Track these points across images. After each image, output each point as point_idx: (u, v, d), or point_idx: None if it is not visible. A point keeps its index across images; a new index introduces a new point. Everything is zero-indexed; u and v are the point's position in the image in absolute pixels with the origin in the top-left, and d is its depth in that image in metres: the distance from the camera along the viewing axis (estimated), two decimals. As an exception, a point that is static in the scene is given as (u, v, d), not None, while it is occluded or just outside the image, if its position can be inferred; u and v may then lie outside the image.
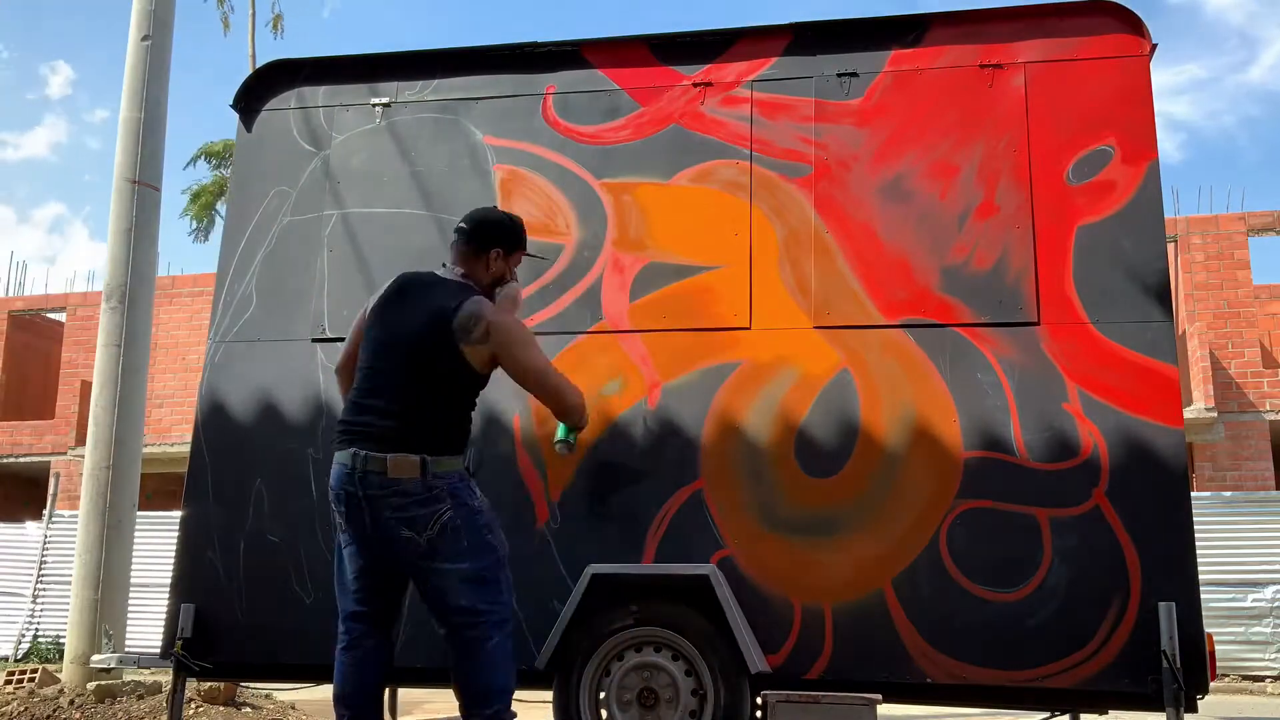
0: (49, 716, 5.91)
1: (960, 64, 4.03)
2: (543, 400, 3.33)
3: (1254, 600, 10.17)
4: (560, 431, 3.47)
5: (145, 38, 7.34)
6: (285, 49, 24.03)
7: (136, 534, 7.29)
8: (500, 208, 4.11)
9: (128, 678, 6.61)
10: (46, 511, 12.94)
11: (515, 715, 3.19)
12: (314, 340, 4.26)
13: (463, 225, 3.34)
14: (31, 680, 7.27)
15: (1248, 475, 13.96)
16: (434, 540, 3.04)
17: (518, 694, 4.15)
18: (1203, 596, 3.56)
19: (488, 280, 3.31)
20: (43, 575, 12.50)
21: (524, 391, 4.01)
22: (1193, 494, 4.39)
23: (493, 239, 3.31)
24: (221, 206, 19.79)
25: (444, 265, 3.33)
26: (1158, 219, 3.79)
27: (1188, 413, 13.08)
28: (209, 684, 5.91)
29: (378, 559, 3.14)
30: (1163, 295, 3.71)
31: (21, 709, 5.98)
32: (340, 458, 3.13)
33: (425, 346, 3.11)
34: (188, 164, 21.45)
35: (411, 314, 3.17)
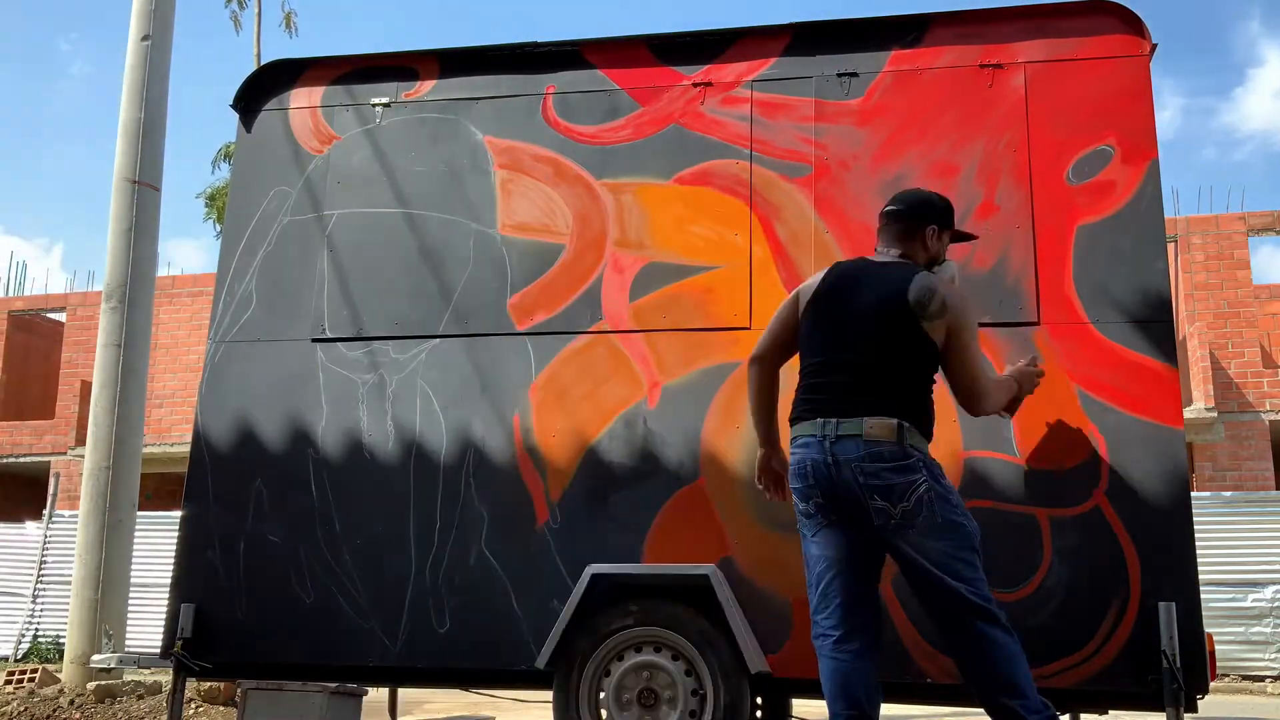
0: (49, 716, 5.92)
1: (960, 64, 4.03)
2: (964, 392, 3.19)
3: (1254, 600, 10.18)
4: None
5: (145, 38, 7.34)
6: (299, 48, 24.07)
7: (136, 534, 7.31)
8: (503, 202, 4.13)
9: (128, 678, 6.62)
10: (46, 511, 12.95)
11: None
12: (314, 340, 4.26)
13: (895, 207, 3.31)
14: (31, 680, 7.28)
15: (1248, 475, 13.97)
16: (908, 513, 2.93)
17: (518, 694, 4.17)
18: (1203, 596, 3.55)
19: (924, 260, 3.27)
20: (43, 575, 12.50)
21: (524, 390, 4.04)
22: (1193, 494, 4.39)
23: (927, 217, 3.28)
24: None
25: (876, 251, 3.31)
26: (1158, 219, 3.78)
27: (1188, 413, 13.08)
28: (209, 684, 5.91)
29: (849, 540, 3.04)
30: (1163, 295, 3.71)
31: (21, 709, 5.99)
32: (804, 429, 3.07)
33: (886, 325, 3.06)
34: (213, 167, 21.39)
35: (863, 296, 3.13)
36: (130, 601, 7.08)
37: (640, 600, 3.74)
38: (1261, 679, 9.87)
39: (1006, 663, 2.92)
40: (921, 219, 3.28)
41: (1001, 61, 4.00)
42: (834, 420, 3.01)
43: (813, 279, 3.33)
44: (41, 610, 12.34)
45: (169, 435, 16.59)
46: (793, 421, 3.17)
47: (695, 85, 4.22)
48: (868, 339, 3.08)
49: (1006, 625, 2.97)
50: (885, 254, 3.27)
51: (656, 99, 4.24)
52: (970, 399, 3.19)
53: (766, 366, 3.38)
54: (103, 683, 6.22)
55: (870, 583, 3.12)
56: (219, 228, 19.67)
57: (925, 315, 3.05)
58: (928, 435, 3.10)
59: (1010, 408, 3.40)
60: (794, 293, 3.37)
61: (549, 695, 3.77)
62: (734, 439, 3.84)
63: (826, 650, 3.04)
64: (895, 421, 2.98)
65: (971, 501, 3.63)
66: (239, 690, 4.25)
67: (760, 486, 3.46)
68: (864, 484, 2.95)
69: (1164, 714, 3.37)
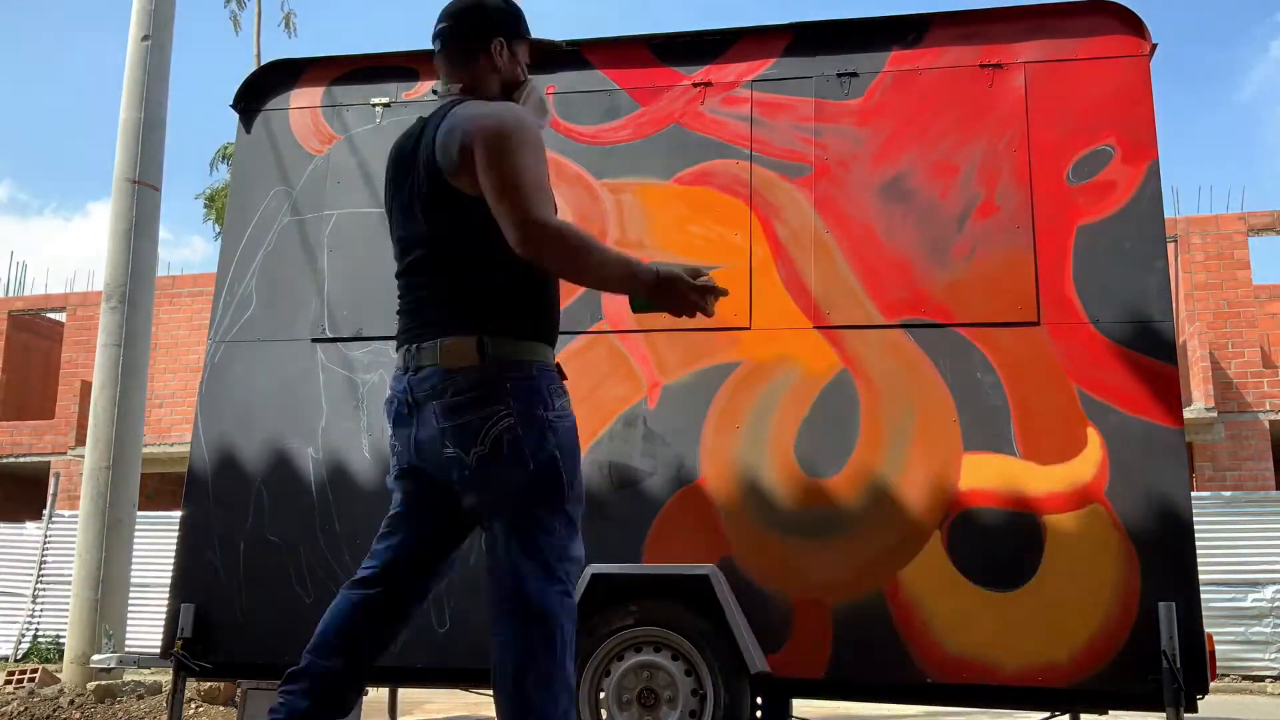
0: (49, 716, 5.92)
1: (960, 64, 4.03)
2: (510, 227, 2.24)
3: (1254, 600, 10.17)
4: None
5: (145, 37, 7.34)
6: (298, 48, 24.06)
7: (136, 534, 7.30)
8: None
9: (128, 678, 6.62)
10: (46, 511, 12.95)
11: None
12: (314, 340, 4.26)
13: (442, 25, 2.50)
14: (31, 680, 7.28)
15: (1248, 475, 13.97)
16: (485, 459, 2.28)
17: (518, 694, 4.16)
18: (1203, 596, 3.55)
19: (499, 87, 2.49)
20: (43, 575, 12.50)
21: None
22: (1193, 494, 4.39)
23: (487, 28, 2.48)
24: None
25: (433, 93, 2.57)
26: (1158, 219, 3.79)
27: (1188, 413, 13.07)
28: (209, 684, 5.91)
29: (421, 488, 2.47)
30: (1163, 295, 3.71)
31: (21, 709, 5.99)
32: (396, 364, 2.47)
33: (429, 204, 2.34)
34: (212, 167, 21.35)
35: (408, 173, 2.40)
36: (130, 601, 7.07)
37: (640, 600, 3.74)
38: (1261, 679, 9.87)
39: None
40: (479, 32, 2.47)
41: (1001, 61, 4.00)
42: (414, 348, 2.39)
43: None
44: (41, 610, 12.34)
45: (169, 435, 16.59)
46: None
47: (695, 85, 4.22)
48: (423, 224, 2.37)
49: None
50: (444, 94, 2.49)
51: (656, 99, 4.24)
52: (519, 230, 2.22)
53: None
54: (103, 683, 6.22)
55: (439, 541, 2.58)
56: (218, 228, 19.67)
57: (452, 169, 2.29)
58: (532, 330, 2.36)
59: (637, 294, 2.35)
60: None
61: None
62: (734, 439, 3.84)
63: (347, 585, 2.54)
64: (474, 339, 2.28)
65: (972, 501, 3.64)
66: (239, 690, 4.24)
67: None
68: (438, 428, 2.30)
69: (1164, 714, 3.37)
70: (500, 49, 2.49)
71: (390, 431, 2.49)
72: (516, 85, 2.53)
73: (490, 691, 4.20)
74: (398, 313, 2.52)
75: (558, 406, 2.35)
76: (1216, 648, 3.70)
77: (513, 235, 2.23)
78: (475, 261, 2.34)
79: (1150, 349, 3.66)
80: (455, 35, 2.49)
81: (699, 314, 2.37)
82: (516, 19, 2.56)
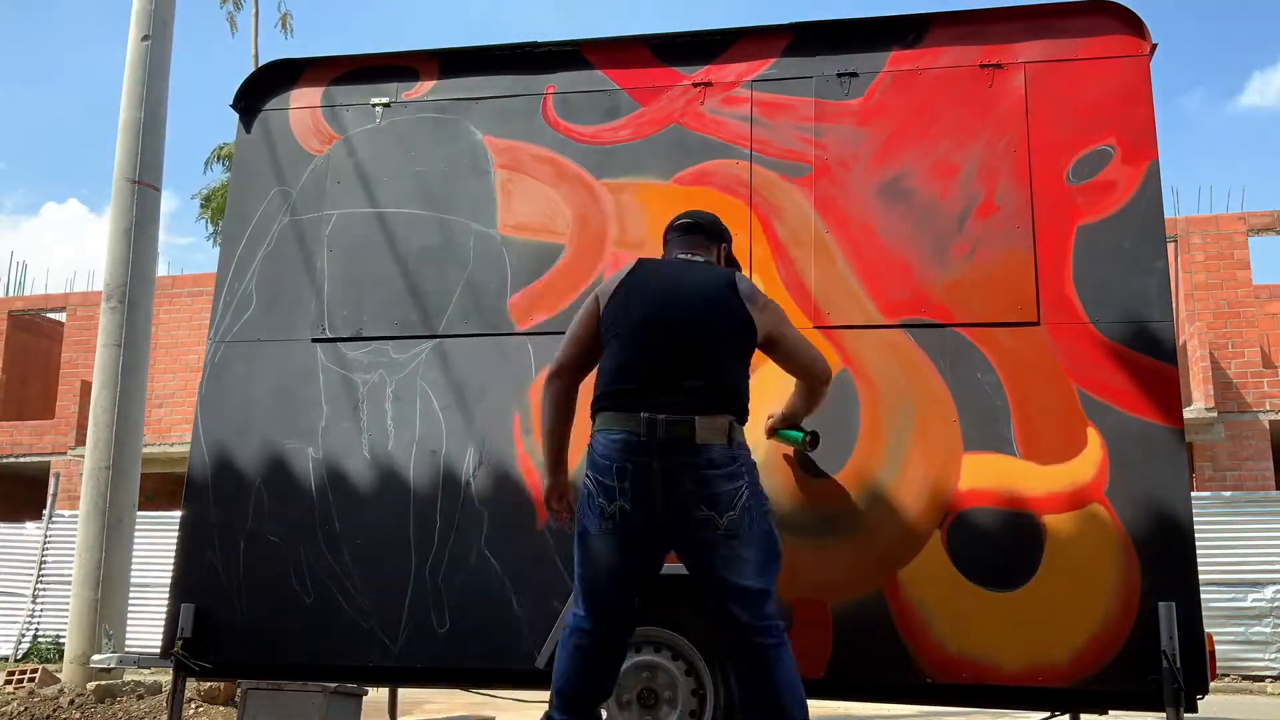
0: (49, 716, 5.92)
1: (960, 64, 4.03)
2: (806, 378, 3.34)
3: (1254, 600, 10.18)
4: (796, 435, 3.56)
5: (145, 37, 7.34)
6: (296, 49, 24.02)
7: (136, 534, 7.31)
8: (503, 202, 4.17)
9: (128, 678, 6.62)
10: (46, 511, 12.96)
11: None
12: (314, 340, 4.26)
13: (691, 220, 3.36)
14: (31, 680, 7.29)
15: (1248, 475, 13.98)
16: (734, 521, 2.81)
17: (518, 693, 4.17)
18: (1203, 596, 3.55)
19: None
20: (43, 575, 12.51)
21: (524, 390, 4.04)
22: (1193, 494, 4.39)
23: (723, 234, 3.40)
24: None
25: (677, 257, 3.28)
26: (1158, 219, 3.78)
27: (1188, 413, 13.07)
28: (209, 684, 5.91)
29: (654, 545, 2.93)
30: (1163, 295, 3.71)
31: (21, 709, 5.99)
32: (620, 421, 2.85)
33: (715, 309, 3.01)
34: (206, 166, 21.37)
35: (681, 287, 3.09)
36: (130, 601, 7.08)
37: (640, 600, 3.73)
38: (1261, 679, 9.87)
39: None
40: (719, 235, 3.38)
41: (1001, 61, 4.00)
42: (662, 418, 2.82)
43: (609, 282, 3.21)
44: (41, 610, 12.35)
45: (169, 435, 16.59)
46: (598, 412, 2.98)
47: (695, 85, 4.22)
48: (699, 322, 3.00)
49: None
50: (690, 256, 3.27)
51: (656, 99, 4.24)
52: (814, 368, 3.31)
53: (567, 380, 3.17)
54: (103, 683, 6.22)
55: (648, 588, 3.05)
56: (212, 229, 19.68)
57: (755, 305, 3.06)
58: (744, 422, 3.04)
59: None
60: (593, 296, 3.21)
61: (549, 695, 3.76)
62: (734, 439, 3.83)
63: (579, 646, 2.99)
64: (727, 421, 2.88)
65: (972, 501, 3.64)
66: (239, 690, 4.25)
67: (553, 514, 3.25)
68: (691, 490, 2.80)
69: (1164, 714, 3.37)
70: (726, 253, 3.42)
71: None
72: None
73: (490, 691, 4.21)
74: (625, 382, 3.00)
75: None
76: (1216, 648, 3.70)
77: (806, 363, 3.35)
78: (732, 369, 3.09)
79: (1150, 349, 3.66)
80: (715, 233, 3.39)
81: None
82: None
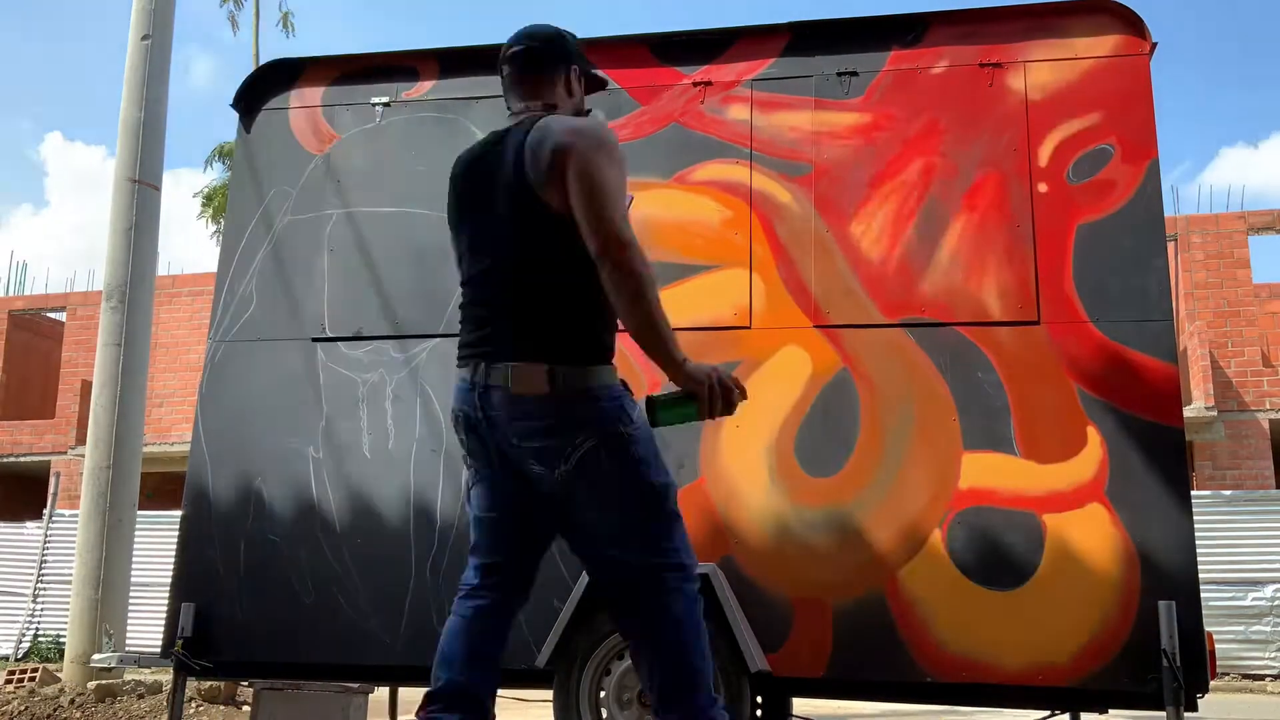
0: (49, 716, 5.92)
1: (960, 64, 4.03)
2: (597, 244, 2.34)
3: (1254, 599, 10.19)
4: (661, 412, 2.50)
5: (145, 37, 7.34)
6: (297, 48, 24.02)
7: (136, 534, 7.31)
8: None
9: (128, 677, 6.62)
10: (46, 511, 12.97)
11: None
12: (314, 340, 4.26)
13: (521, 47, 2.61)
14: (32, 679, 7.29)
15: (1248, 474, 13.98)
16: (570, 476, 2.38)
17: (517, 693, 4.17)
18: (1203, 595, 3.56)
19: (570, 111, 2.61)
20: (43, 575, 12.52)
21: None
22: (1193, 493, 4.39)
23: (567, 56, 2.63)
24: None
25: (509, 112, 2.64)
26: (1158, 218, 3.79)
27: (1188, 412, 13.07)
28: (209, 683, 5.92)
29: (507, 498, 2.53)
30: (1163, 295, 3.71)
31: (22, 708, 5.99)
32: (460, 374, 2.52)
33: (511, 212, 2.42)
34: (207, 165, 21.33)
35: (486, 182, 2.50)
36: (130, 601, 7.08)
37: (640, 600, 3.73)
38: (1261, 678, 9.88)
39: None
40: (561, 58, 2.62)
41: (1001, 61, 4.00)
42: (483, 366, 2.44)
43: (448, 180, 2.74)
44: (42, 610, 12.36)
45: (169, 435, 16.60)
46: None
47: (695, 85, 4.22)
48: (501, 234, 2.44)
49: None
50: (521, 110, 2.58)
51: (656, 98, 4.24)
52: (600, 237, 2.32)
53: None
54: (103, 682, 6.22)
55: (531, 547, 2.62)
56: (213, 227, 19.64)
57: (540, 174, 2.36)
58: (601, 358, 2.45)
59: (667, 364, 2.47)
60: None
61: (549, 694, 3.77)
62: (734, 439, 3.84)
63: (460, 598, 2.58)
64: (544, 368, 2.36)
65: (972, 501, 3.64)
66: (252, 691, 4.22)
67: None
68: (516, 446, 2.41)
69: (1164, 713, 3.37)
70: (577, 76, 2.65)
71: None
72: (580, 114, 2.65)
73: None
74: (461, 321, 2.60)
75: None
76: (1216, 647, 3.70)
77: (594, 241, 2.33)
78: (547, 275, 2.42)
79: (1150, 348, 3.66)
80: (536, 58, 2.61)
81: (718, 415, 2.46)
82: (583, 53, 2.71)
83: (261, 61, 8.13)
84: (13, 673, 7.67)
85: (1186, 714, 3.36)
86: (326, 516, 4.07)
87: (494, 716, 2.60)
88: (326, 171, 4.45)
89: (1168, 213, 11.89)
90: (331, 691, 4.15)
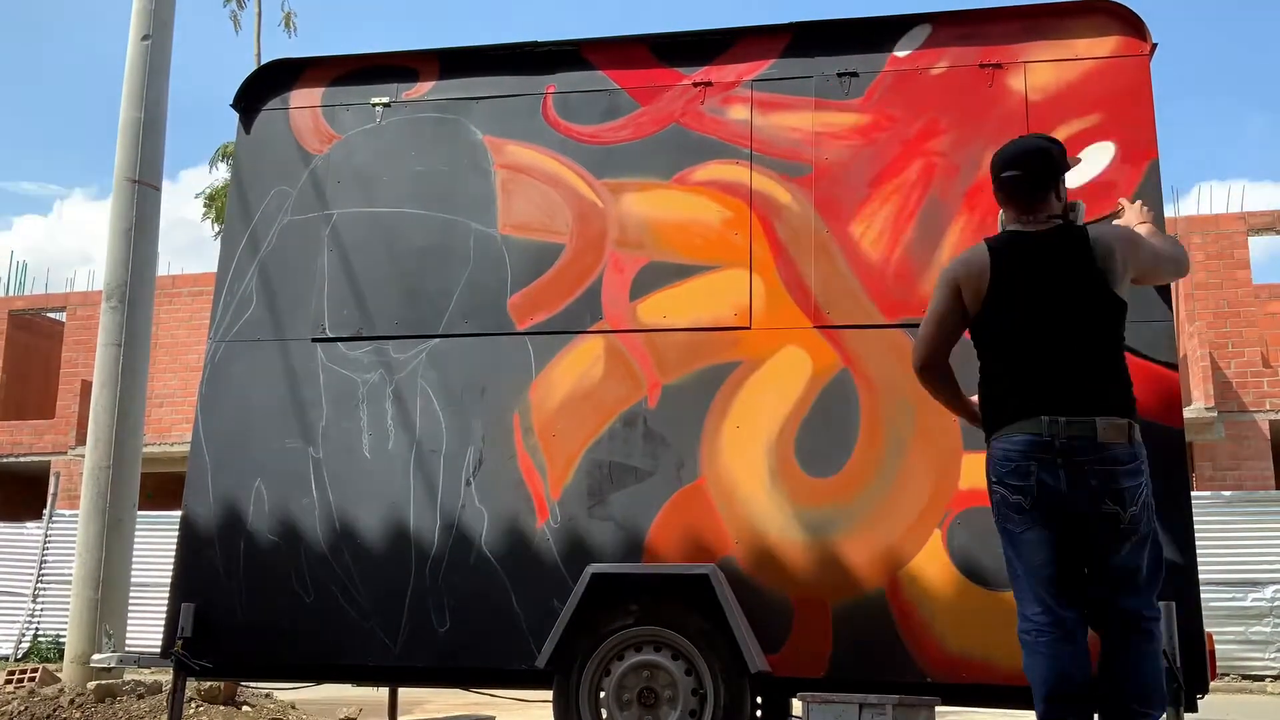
0: (49, 716, 5.91)
1: (960, 64, 4.03)
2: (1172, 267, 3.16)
3: (1254, 600, 10.18)
4: None
5: (145, 37, 7.34)
6: (299, 48, 23.99)
7: (136, 534, 7.30)
8: (503, 201, 4.08)
9: (128, 677, 6.62)
10: (46, 511, 12.96)
11: None
12: (314, 340, 4.26)
13: (1019, 171, 3.02)
14: (32, 679, 7.29)
15: (1248, 475, 13.96)
16: (1136, 517, 2.82)
17: (518, 693, 4.17)
18: (1203, 596, 3.56)
19: (1061, 212, 3.05)
20: (43, 575, 12.52)
21: (524, 390, 4.04)
22: (1193, 494, 4.39)
23: (1058, 167, 3.06)
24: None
25: (1017, 222, 3.04)
26: (1158, 219, 3.78)
27: (1188, 413, 13.07)
28: (209, 683, 5.91)
29: (1067, 538, 2.88)
30: (1163, 295, 3.71)
31: (22, 708, 5.98)
32: (1026, 426, 2.85)
33: (1088, 300, 2.89)
34: (210, 166, 21.31)
35: (1052, 273, 2.92)
36: (130, 601, 7.07)
37: (640, 600, 3.74)
38: (1261, 678, 9.87)
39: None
40: (1055, 172, 3.05)
41: (1001, 61, 4.00)
42: (1062, 420, 2.84)
43: (962, 264, 3.06)
44: (41, 610, 12.35)
45: (169, 435, 16.59)
46: (1003, 421, 2.94)
47: (695, 85, 4.22)
48: (1077, 315, 2.91)
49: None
50: (1035, 222, 3.01)
51: (656, 99, 4.24)
52: (1181, 262, 3.21)
53: (936, 370, 3.14)
54: (103, 682, 6.22)
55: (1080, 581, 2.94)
56: (216, 228, 19.62)
57: (1113, 277, 2.92)
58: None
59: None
60: (946, 283, 3.07)
61: (549, 695, 3.77)
62: (734, 439, 3.84)
63: (1056, 641, 2.88)
64: (1125, 422, 2.86)
65: (972, 501, 3.64)
66: (800, 704, 3.55)
67: None
68: (1094, 487, 2.82)
69: (1164, 714, 3.37)
70: (1063, 183, 3.10)
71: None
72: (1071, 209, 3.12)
73: (490, 691, 4.21)
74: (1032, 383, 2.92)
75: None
76: (1216, 647, 3.69)
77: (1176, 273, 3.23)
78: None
79: (1150, 349, 3.66)
80: (1048, 172, 3.03)
81: None
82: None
83: (262, 61, 8.14)
84: (12, 673, 7.67)
85: (1186, 714, 3.36)
86: (326, 516, 4.07)
87: None
88: (327, 171, 4.45)
89: (1167, 213, 11.89)
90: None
